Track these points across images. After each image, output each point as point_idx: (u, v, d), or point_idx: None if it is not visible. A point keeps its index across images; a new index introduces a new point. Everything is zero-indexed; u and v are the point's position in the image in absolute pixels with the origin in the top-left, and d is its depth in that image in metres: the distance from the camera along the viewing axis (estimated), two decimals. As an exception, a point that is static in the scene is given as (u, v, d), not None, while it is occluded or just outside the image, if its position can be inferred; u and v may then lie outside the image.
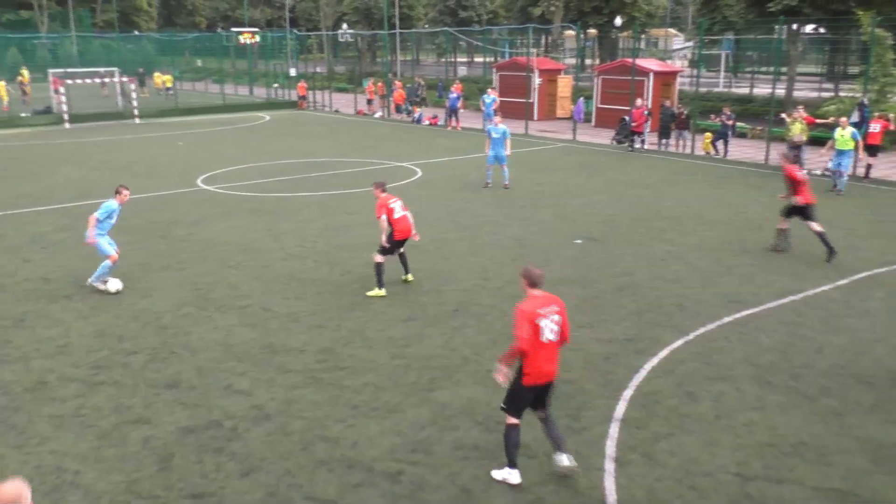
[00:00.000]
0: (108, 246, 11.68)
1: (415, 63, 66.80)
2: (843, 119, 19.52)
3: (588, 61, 54.14)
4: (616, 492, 6.52)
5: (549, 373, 6.58)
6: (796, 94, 33.70)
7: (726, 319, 10.47)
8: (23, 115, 36.67)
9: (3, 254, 13.85)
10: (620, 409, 7.99)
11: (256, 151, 26.45)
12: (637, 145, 26.64)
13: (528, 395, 6.61)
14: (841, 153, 18.97)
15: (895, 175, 22.15)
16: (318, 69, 56.20)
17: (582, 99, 31.81)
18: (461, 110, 33.93)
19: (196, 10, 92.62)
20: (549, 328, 6.48)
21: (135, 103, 36.52)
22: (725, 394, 8.33)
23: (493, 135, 19.31)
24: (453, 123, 32.92)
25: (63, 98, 34.20)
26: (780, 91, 30.50)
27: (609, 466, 6.90)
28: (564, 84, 36.79)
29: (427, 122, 34.98)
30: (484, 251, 13.89)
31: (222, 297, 11.44)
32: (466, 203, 17.97)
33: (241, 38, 49.56)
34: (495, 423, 7.64)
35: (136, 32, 71.89)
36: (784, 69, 33.30)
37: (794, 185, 13.43)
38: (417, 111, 35.98)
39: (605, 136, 29.08)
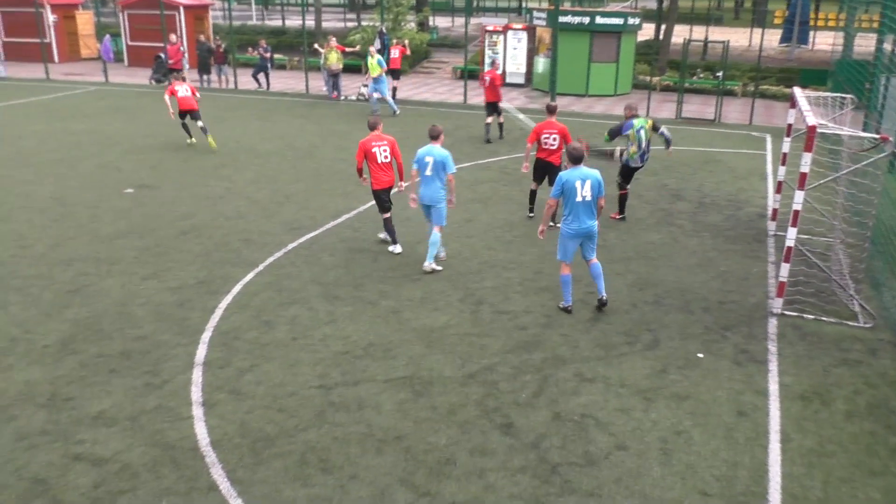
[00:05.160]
0: None
1: None
2: (372, 48, 21.17)
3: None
4: (208, 434, 6.45)
5: (385, 182, 10.35)
6: (325, 24, 35.57)
7: (291, 246, 10.88)
8: None
9: None
10: (201, 353, 7.84)
11: None
12: (178, 83, 25.59)
13: (379, 196, 10.47)
14: (375, 79, 20.64)
15: (416, 95, 25.04)
16: None
17: (108, 36, 29.21)
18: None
19: None
20: (381, 154, 10.16)
21: None
22: (299, 315, 8.74)
23: None
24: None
25: None
26: (310, 22, 31.88)
27: (198, 412, 6.77)
28: (85, 21, 33.31)
29: None
30: (17, 216, 12.15)
31: None
32: (-15, 163, 15.41)
33: None
34: (62, 400, 6.91)
35: None
36: (311, 1, 34.77)
37: None
38: None
39: (142, 76, 27.33)
